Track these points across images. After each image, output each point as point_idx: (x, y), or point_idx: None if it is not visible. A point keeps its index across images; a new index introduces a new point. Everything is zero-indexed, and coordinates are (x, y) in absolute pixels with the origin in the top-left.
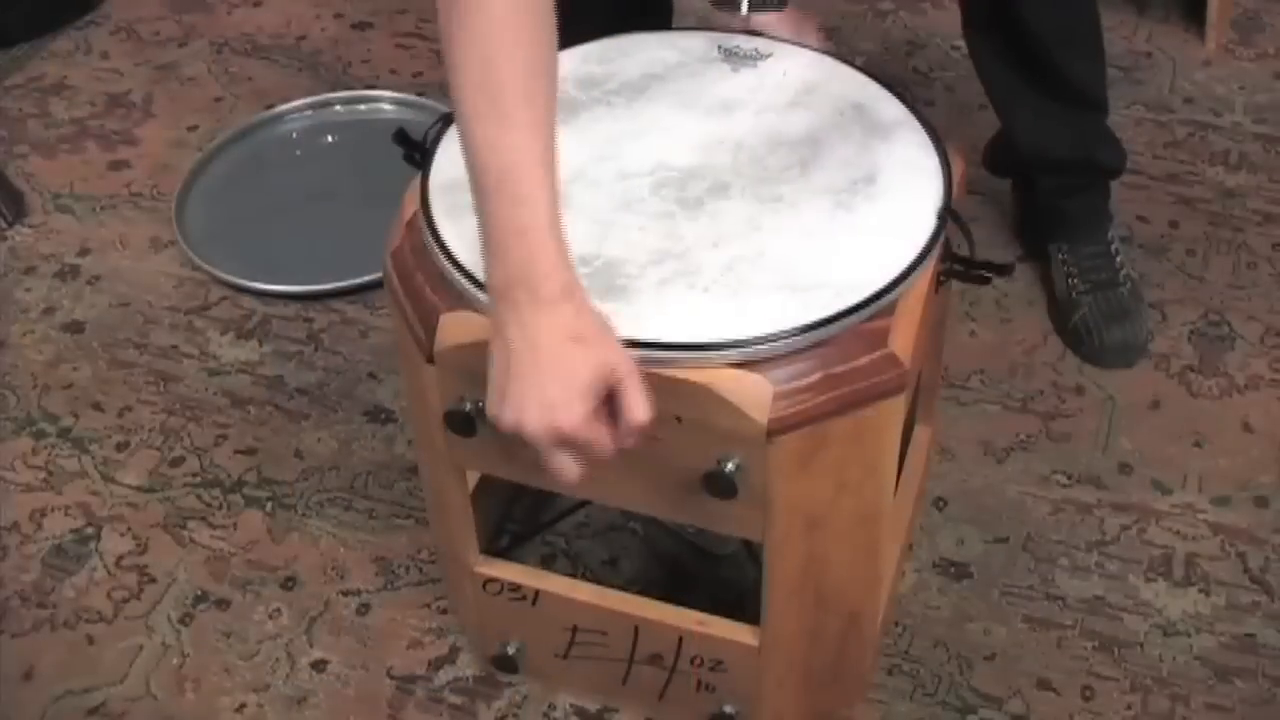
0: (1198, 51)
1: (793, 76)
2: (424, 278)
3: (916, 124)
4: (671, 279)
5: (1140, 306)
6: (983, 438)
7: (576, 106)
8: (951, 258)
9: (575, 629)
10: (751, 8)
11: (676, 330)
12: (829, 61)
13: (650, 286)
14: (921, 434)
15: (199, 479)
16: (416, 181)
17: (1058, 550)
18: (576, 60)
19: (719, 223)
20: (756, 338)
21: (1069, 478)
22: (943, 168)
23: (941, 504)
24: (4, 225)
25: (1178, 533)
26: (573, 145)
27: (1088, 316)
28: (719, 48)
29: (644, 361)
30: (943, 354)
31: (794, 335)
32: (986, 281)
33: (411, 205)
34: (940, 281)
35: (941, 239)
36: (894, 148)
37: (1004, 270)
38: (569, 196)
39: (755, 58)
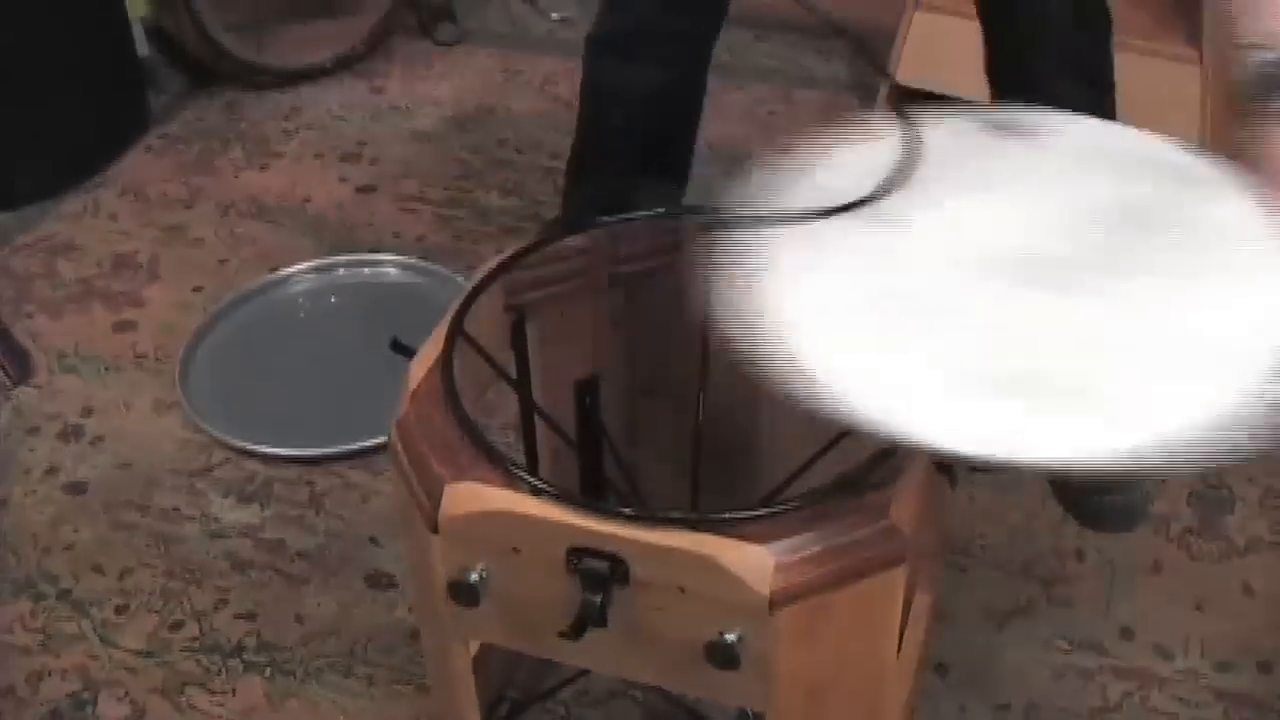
0: None
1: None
2: (429, 448)
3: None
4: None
5: None
6: (983, 603)
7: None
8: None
9: None
10: None
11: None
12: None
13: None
14: (922, 600)
15: (198, 643)
16: (421, 354)
17: (1061, 718)
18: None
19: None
20: (757, 510)
21: (1070, 643)
22: None
23: (943, 670)
24: (9, 384)
25: (1181, 699)
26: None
27: (1086, 481)
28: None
29: (647, 532)
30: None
31: (795, 508)
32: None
33: (417, 375)
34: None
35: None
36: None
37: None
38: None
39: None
